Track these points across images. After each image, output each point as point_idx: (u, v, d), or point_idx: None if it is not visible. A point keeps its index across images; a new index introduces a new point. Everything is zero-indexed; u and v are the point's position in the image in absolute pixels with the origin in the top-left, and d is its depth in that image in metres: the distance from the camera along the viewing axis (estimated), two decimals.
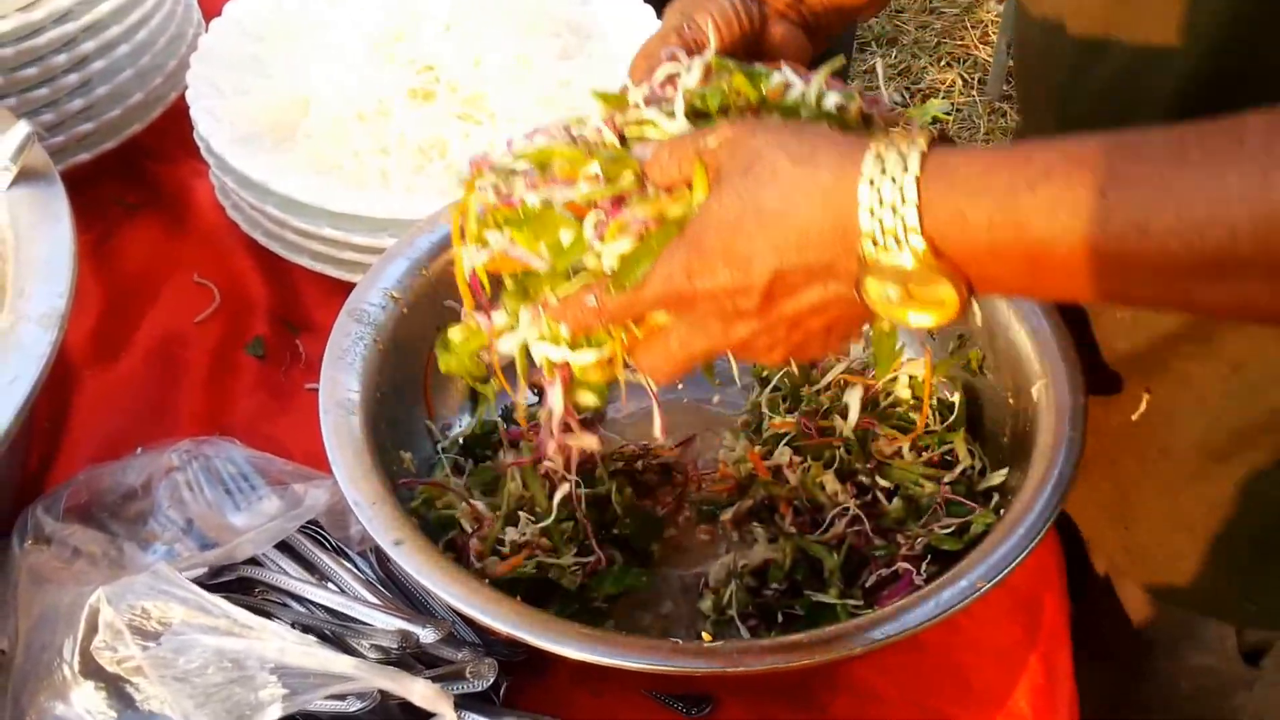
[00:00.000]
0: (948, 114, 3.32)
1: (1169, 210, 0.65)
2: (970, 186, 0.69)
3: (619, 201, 0.81)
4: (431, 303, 1.09)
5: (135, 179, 1.42)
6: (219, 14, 1.46)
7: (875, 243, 0.70)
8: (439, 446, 1.08)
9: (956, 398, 1.05)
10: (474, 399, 1.13)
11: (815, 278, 0.75)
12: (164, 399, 1.20)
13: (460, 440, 1.09)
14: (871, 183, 0.70)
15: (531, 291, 0.85)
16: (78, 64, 1.30)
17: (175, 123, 1.42)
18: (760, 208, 0.74)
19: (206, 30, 1.38)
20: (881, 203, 0.70)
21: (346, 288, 1.22)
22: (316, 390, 1.17)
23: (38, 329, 0.90)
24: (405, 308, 1.07)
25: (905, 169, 0.70)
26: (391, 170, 1.25)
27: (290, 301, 1.30)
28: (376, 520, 0.90)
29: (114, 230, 1.36)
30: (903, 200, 0.70)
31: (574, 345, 0.84)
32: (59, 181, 1.03)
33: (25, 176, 1.02)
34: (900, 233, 0.70)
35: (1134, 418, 1.02)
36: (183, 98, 1.38)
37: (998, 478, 1.00)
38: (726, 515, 1.05)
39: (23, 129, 1.02)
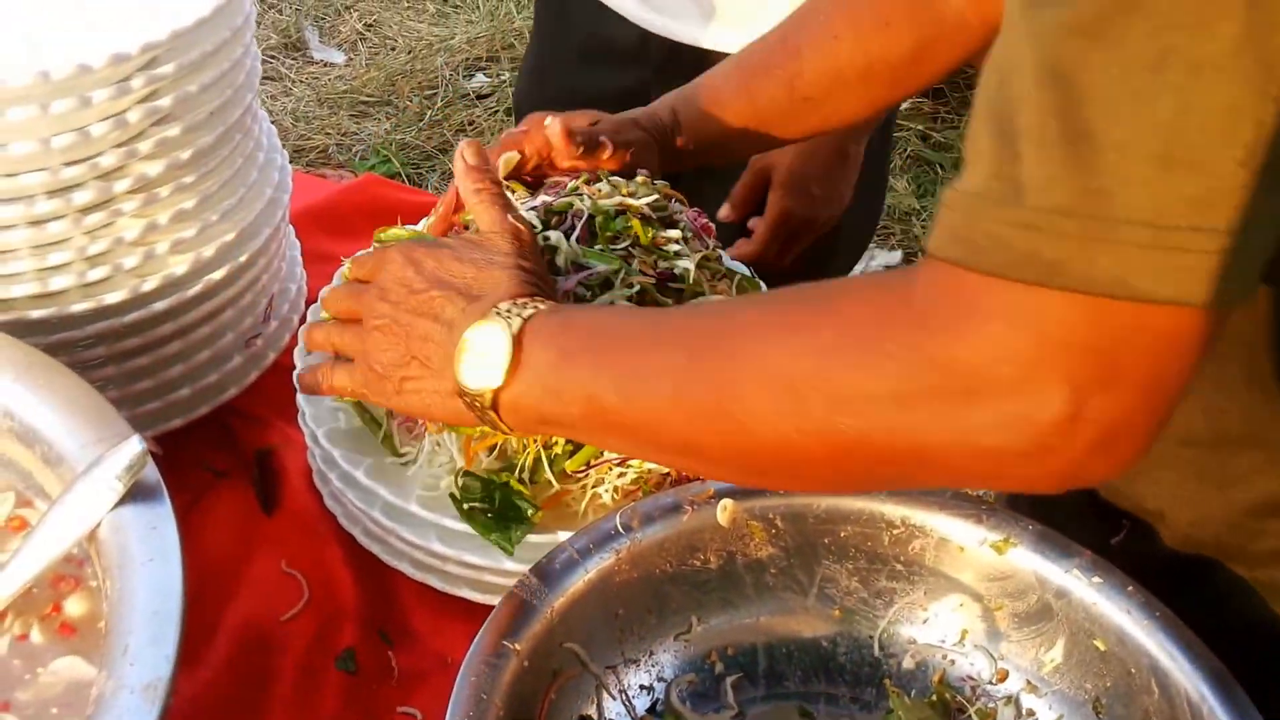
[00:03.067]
0: None
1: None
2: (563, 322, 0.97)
3: None
4: (549, 646, 1.00)
5: (224, 442, 1.34)
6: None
7: (499, 313, 0.96)
8: None
9: None
10: None
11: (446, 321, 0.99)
12: None
13: None
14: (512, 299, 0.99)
15: None
16: (183, 332, 1.23)
17: (271, 380, 1.35)
18: (490, 258, 1.04)
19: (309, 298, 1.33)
20: (513, 306, 0.97)
21: (449, 597, 1.15)
22: (409, 714, 1.10)
23: (142, 703, 0.81)
24: (525, 660, 0.98)
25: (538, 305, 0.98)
26: None
27: (385, 607, 1.20)
28: None
29: (200, 500, 1.28)
30: (520, 315, 0.96)
31: None
32: (168, 504, 0.94)
33: (133, 496, 0.94)
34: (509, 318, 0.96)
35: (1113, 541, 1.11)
36: (280, 360, 1.33)
37: None
38: None
39: (135, 445, 0.94)
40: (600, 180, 1.25)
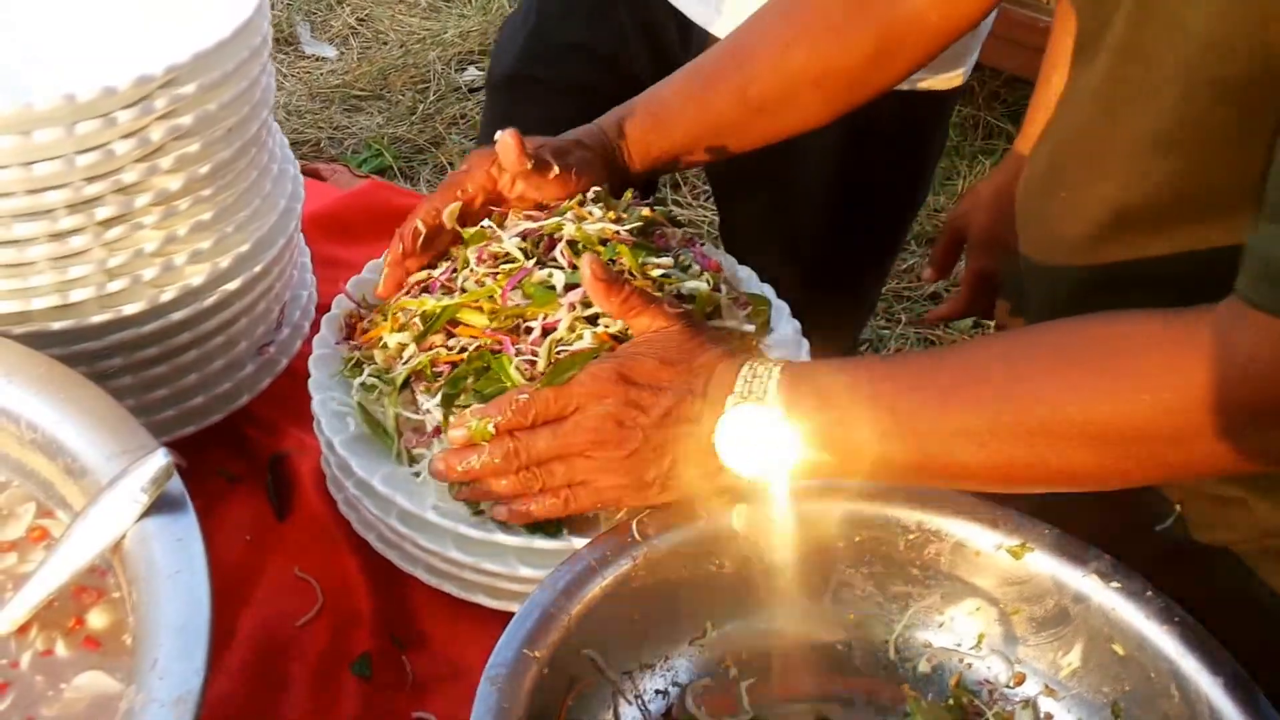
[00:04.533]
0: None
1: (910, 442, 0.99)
2: (815, 388, 1.02)
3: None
4: (568, 654, 1.00)
5: (237, 448, 1.34)
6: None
7: (743, 395, 1.02)
8: None
9: None
10: None
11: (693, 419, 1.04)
12: None
13: None
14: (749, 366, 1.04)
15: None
16: (199, 341, 1.23)
17: (283, 386, 1.35)
18: (686, 349, 1.07)
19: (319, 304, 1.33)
20: (746, 382, 1.03)
21: (462, 603, 1.16)
22: (424, 719, 1.10)
23: (172, 716, 0.81)
24: (545, 668, 0.98)
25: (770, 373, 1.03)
26: None
27: (399, 612, 1.21)
28: None
29: (214, 506, 1.28)
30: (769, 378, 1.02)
31: None
32: (193, 516, 0.95)
33: (159, 508, 0.94)
34: (758, 397, 1.02)
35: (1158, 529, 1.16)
36: (292, 366, 1.33)
37: None
38: None
39: (160, 458, 0.94)
40: (588, 204, 1.26)
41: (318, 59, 4.17)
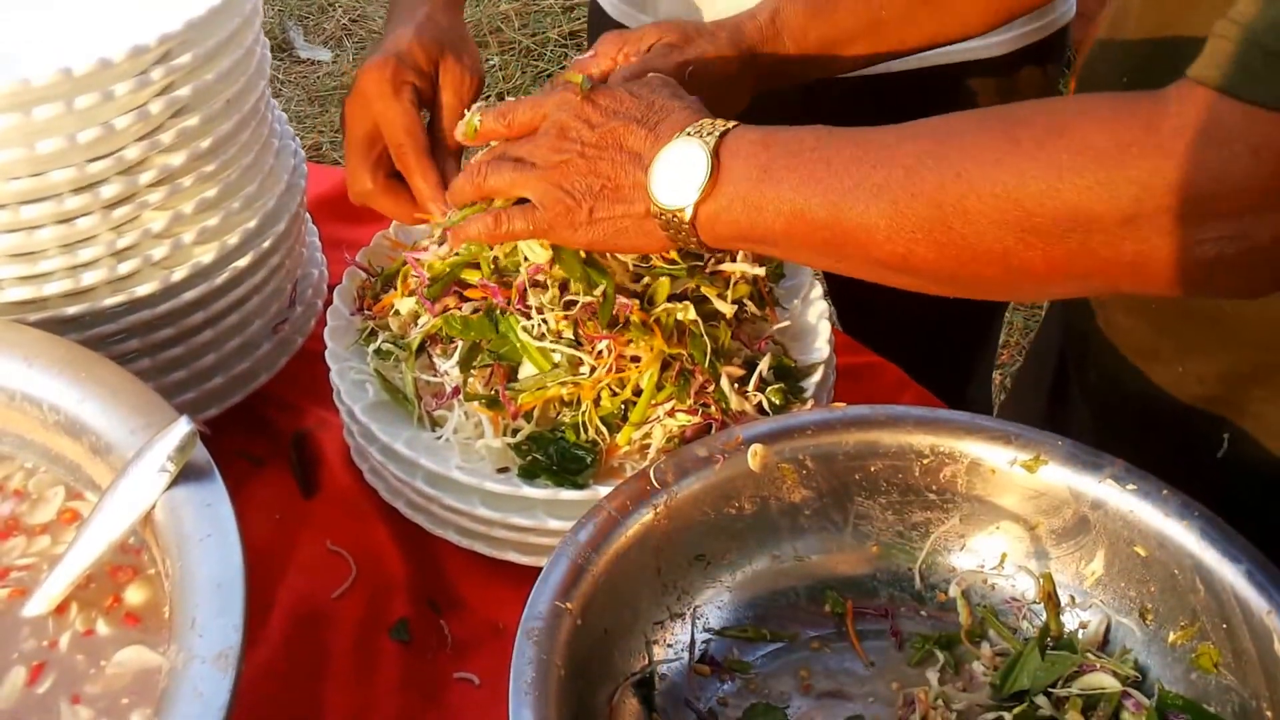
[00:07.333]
0: None
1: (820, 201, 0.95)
2: (761, 135, 0.99)
3: None
4: (598, 604, 1.00)
5: (259, 430, 1.35)
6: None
7: (690, 134, 1.00)
8: None
9: None
10: None
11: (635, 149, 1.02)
12: (308, 698, 1.12)
13: None
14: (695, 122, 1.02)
15: None
16: (212, 320, 1.24)
17: (301, 367, 1.37)
18: (659, 92, 1.06)
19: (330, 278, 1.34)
20: (701, 126, 1.01)
21: (494, 563, 1.16)
22: (466, 679, 1.11)
23: (214, 671, 0.82)
24: (578, 619, 0.98)
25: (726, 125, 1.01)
26: None
27: (433, 578, 1.22)
28: None
29: (241, 488, 1.28)
30: (714, 133, 1.00)
31: None
32: (220, 481, 0.96)
33: (185, 477, 0.96)
34: (704, 136, 1.00)
35: (1219, 455, 1.12)
36: (307, 344, 1.34)
37: None
38: None
39: (184, 426, 0.95)
40: None
41: (313, 63, 4.18)
